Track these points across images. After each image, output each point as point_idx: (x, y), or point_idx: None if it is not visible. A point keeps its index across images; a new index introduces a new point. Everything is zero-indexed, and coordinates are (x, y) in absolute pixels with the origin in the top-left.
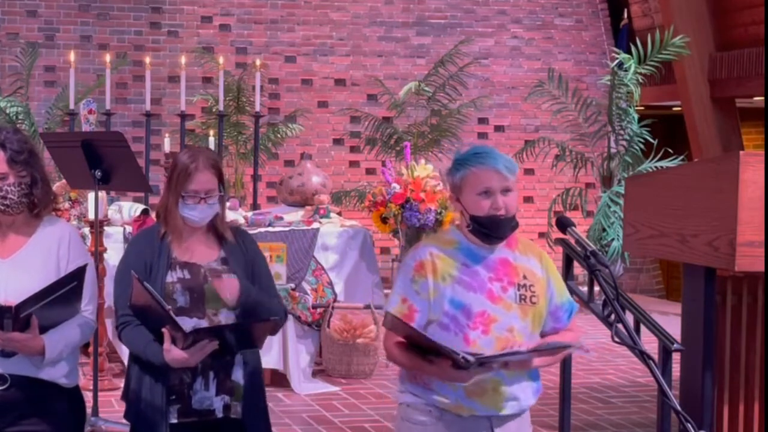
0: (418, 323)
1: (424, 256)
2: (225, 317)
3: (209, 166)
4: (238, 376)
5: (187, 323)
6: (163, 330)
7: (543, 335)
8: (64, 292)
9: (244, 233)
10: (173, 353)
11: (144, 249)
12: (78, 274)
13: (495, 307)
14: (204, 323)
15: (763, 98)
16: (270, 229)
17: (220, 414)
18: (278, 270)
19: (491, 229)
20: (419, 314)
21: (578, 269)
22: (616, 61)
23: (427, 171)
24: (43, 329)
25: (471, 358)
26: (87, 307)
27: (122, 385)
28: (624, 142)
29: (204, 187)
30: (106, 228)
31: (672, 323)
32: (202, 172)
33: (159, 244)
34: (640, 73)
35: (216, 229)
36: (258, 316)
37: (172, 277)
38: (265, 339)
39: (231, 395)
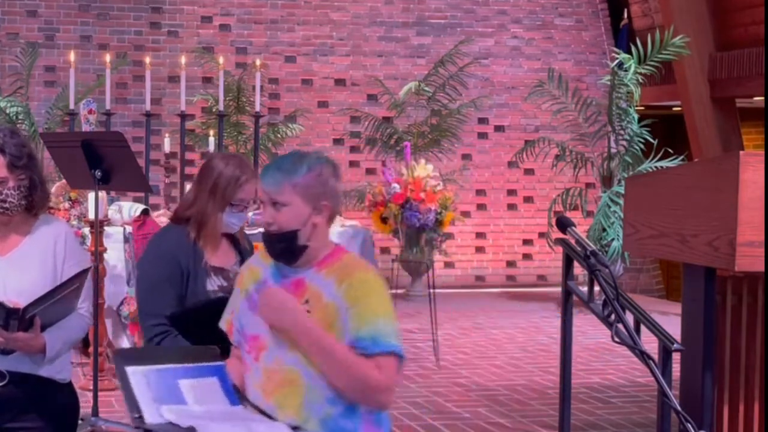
0: (235, 338)
1: (244, 267)
2: None
3: (256, 176)
4: None
5: None
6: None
7: None
8: (66, 293)
9: (247, 236)
10: None
11: (178, 254)
12: (81, 276)
13: (270, 333)
14: None
15: (763, 98)
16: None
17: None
18: None
19: (264, 244)
20: (235, 327)
21: (578, 269)
22: (616, 61)
23: (427, 171)
24: (42, 327)
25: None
26: (83, 305)
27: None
28: (624, 142)
29: (250, 197)
30: (106, 228)
31: (672, 323)
32: (250, 183)
33: (193, 249)
34: (640, 73)
35: (233, 235)
36: None
37: (212, 284)
38: None
39: None
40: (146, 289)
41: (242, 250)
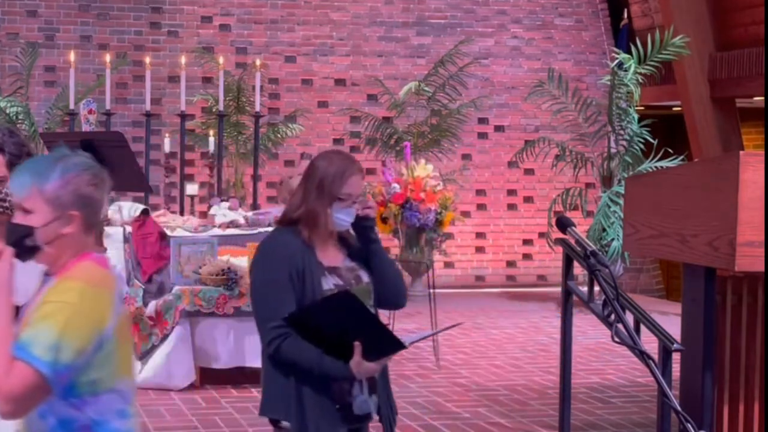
0: None
1: None
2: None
3: (360, 170)
4: None
5: None
6: (356, 343)
7: None
8: None
9: (354, 235)
10: (365, 366)
11: (290, 256)
12: None
13: None
14: None
15: (763, 98)
16: (270, 229)
17: (375, 414)
18: None
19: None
20: None
21: (578, 269)
22: (616, 61)
23: (427, 171)
24: None
25: None
26: None
27: None
28: (624, 142)
29: (356, 191)
30: (106, 228)
31: (672, 323)
32: (356, 176)
33: (305, 249)
34: (640, 73)
35: (340, 233)
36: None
37: (327, 283)
38: None
39: (375, 392)
40: (262, 293)
41: (351, 248)
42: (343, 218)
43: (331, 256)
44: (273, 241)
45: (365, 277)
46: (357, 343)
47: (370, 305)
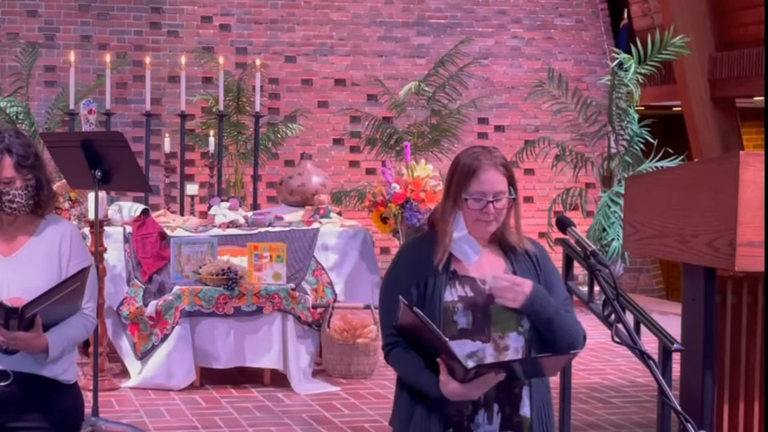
0: None
1: None
2: (514, 341)
3: (494, 165)
4: (525, 410)
5: (468, 347)
6: (439, 360)
7: None
8: (67, 292)
9: (540, 247)
10: (451, 386)
11: (417, 260)
12: (82, 275)
13: None
14: (489, 348)
15: (763, 98)
16: (270, 229)
17: None
18: (278, 270)
19: None
20: None
21: (578, 269)
22: (616, 61)
23: (427, 171)
24: (45, 327)
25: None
26: (87, 305)
27: (124, 385)
28: (624, 142)
29: (490, 188)
30: (106, 228)
31: (672, 323)
32: (488, 172)
33: (436, 255)
34: (640, 73)
35: (504, 238)
36: (552, 341)
37: (452, 294)
38: (559, 369)
39: (516, 429)
40: (383, 299)
41: (517, 259)
42: (466, 250)
43: (478, 264)
44: (406, 245)
45: None
46: (439, 360)
47: (520, 331)
